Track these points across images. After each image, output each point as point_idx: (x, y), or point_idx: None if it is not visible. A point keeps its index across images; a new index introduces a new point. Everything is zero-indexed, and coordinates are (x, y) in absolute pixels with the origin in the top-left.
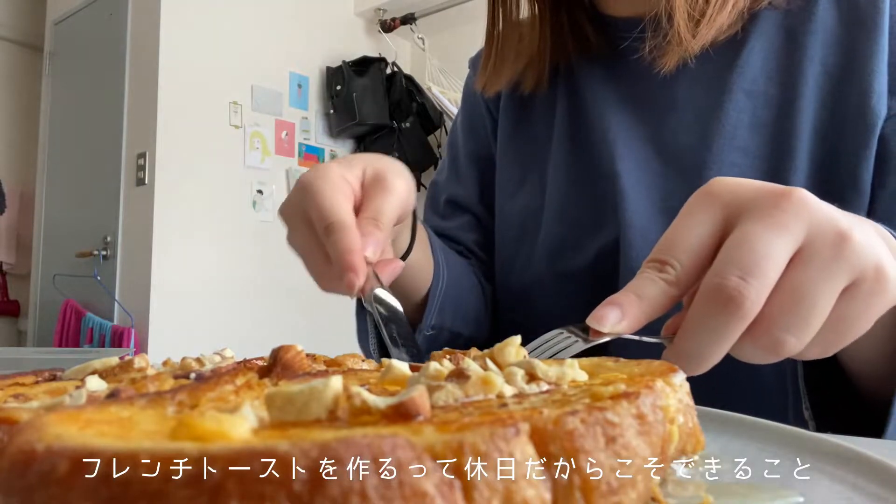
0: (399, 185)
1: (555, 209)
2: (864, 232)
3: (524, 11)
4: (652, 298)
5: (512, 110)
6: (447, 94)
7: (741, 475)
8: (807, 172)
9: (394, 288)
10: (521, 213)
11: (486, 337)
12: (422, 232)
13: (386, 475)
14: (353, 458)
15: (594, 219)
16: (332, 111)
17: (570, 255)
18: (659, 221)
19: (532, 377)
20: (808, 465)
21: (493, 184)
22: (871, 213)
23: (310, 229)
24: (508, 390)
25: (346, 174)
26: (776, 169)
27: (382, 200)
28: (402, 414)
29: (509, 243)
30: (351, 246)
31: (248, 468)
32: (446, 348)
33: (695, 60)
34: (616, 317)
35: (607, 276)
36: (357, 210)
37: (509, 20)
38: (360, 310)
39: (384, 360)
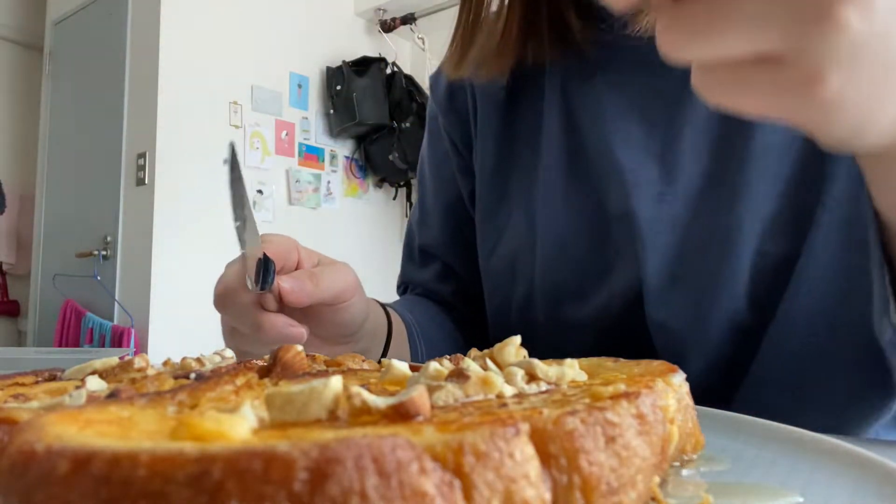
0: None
1: (550, 251)
2: None
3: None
4: None
5: (492, 131)
6: None
7: (741, 475)
8: (838, 205)
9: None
10: (509, 257)
11: None
12: (397, 327)
13: (386, 475)
14: (353, 458)
15: (602, 263)
16: (332, 111)
17: (573, 304)
18: (681, 263)
19: (532, 377)
20: (808, 465)
21: (466, 226)
22: None
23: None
24: (508, 390)
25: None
26: (804, 203)
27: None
28: (402, 414)
29: (500, 289)
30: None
31: (248, 468)
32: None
33: None
34: None
35: (623, 325)
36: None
37: (480, 7)
38: None
39: (384, 360)
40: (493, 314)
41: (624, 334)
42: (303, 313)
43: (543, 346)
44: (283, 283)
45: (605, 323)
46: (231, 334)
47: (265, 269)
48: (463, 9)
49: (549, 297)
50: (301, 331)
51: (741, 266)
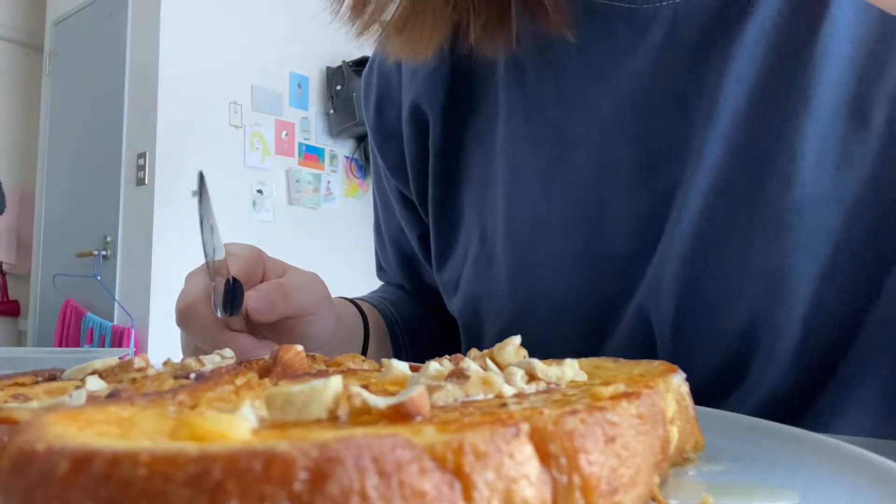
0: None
1: (525, 293)
2: None
3: None
4: None
5: (442, 146)
6: None
7: (741, 475)
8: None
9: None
10: (462, 303)
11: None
12: (375, 327)
13: (386, 475)
14: (353, 458)
15: (603, 304)
16: (332, 111)
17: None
18: (703, 318)
19: (532, 377)
20: (808, 465)
21: (419, 267)
22: None
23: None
24: (508, 390)
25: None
26: (880, 234)
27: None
28: (402, 414)
29: (468, 330)
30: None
31: (248, 468)
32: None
33: (747, 37)
34: None
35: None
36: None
37: None
38: None
39: (384, 360)
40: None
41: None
42: (270, 327)
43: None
44: (250, 301)
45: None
46: (193, 352)
47: (233, 292)
48: None
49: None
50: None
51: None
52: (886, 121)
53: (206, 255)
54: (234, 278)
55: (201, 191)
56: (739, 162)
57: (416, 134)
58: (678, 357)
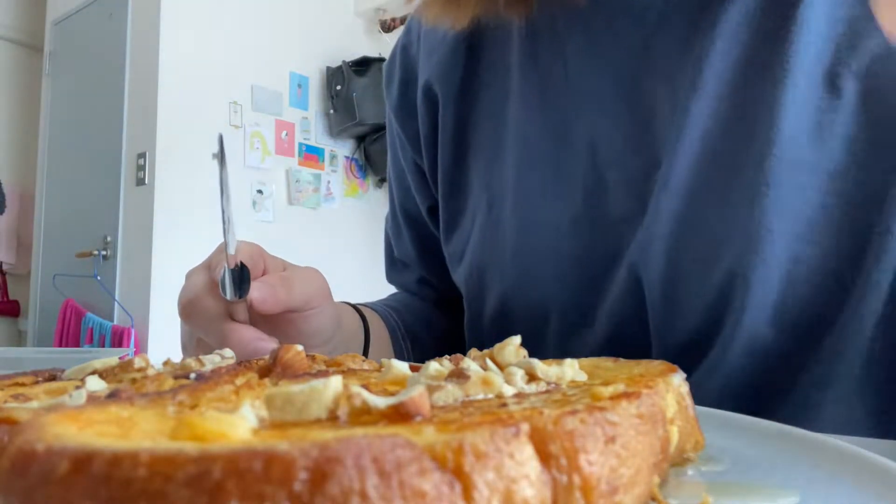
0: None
1: (525, 260)
2: None
3: None
4: None
5: (453, 122)
6: None
7: (741, 475)
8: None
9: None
10: (477, 269)
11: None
12: (377, 332)
13: (386, 475)
14: (353, 458)
15: (595, 274)
16: (332, 111)
17: (576, 331)
18: (691, 272)
19: (532, 377)
20: (808, 465)
21: (430, 240)
22: None
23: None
24: (508, 390)
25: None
26: (860, 197)
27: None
28: (402, 414)
29: (471, 302)
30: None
31: (248, 468)
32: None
33: (727, 26)
34: None
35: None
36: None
37: None
38: None
39: (384, 360)
40: (467, 327)
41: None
42: (272, 322)
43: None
44: (254, 291)
45: (601, 335)
46: (196, 345)
47: (241, 276)
48: None
49: (534, 320)
50: (271, 345)
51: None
52: (857, 93)
53: (223, 222)
54: (241, 262)
55: (222, 153)
56: (723, 131)
57: (428, 111)
58: (666, 314)
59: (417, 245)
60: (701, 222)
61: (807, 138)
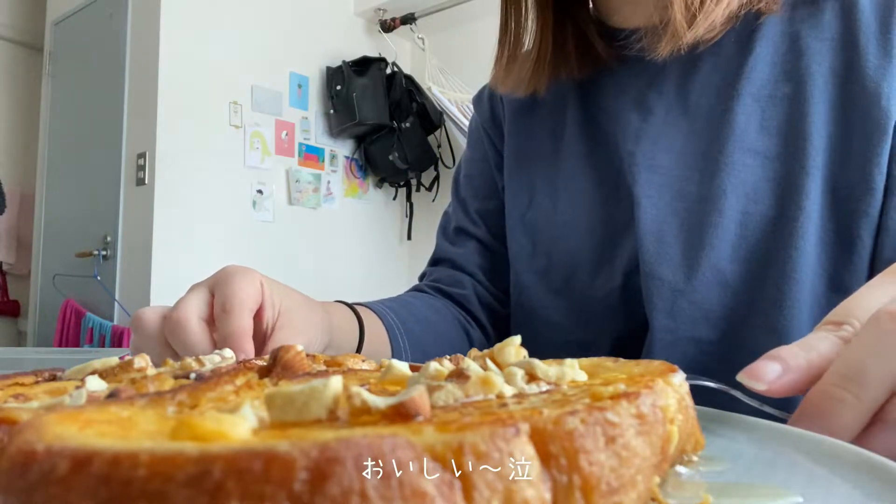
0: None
1: (568, 224)
2: None
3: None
4: (822, 352)
5: (518, 130)
6: (447, 93)
7: (741, 475)
8: (821, 173)
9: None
10: (531, 229)
11: None
12: (372, 332)
13: (386, 475)
14: (353, 458)
15: (612, 232)
16: (332, 111)
17: (583, 275)
18: (672, 223)
19: (532, 377)
20: (808, 465)
21: (502, 217)
22: (884, 215)
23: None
24: (508, 390)
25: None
26: (788, 171)
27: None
28: (402, 414)
29: (521, 260)
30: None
31: (248, 468)
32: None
33: (705, 67)
34: (775, 372)
35: (622, 300)
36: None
37: (519, 29)
38: None
39: (384, 360)
40: (514, 285)
41: (623, 307)
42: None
43: (557, 319)
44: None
45: (608, 296)
46: (157, 355)
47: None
48: (504, 40)
49: (564, 267)
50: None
51: (726, 224)
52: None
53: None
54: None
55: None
56: (693, 142)
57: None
58: (657, 256)
59: (487, 222)
60: (679, 204)
61: (753, 135)
